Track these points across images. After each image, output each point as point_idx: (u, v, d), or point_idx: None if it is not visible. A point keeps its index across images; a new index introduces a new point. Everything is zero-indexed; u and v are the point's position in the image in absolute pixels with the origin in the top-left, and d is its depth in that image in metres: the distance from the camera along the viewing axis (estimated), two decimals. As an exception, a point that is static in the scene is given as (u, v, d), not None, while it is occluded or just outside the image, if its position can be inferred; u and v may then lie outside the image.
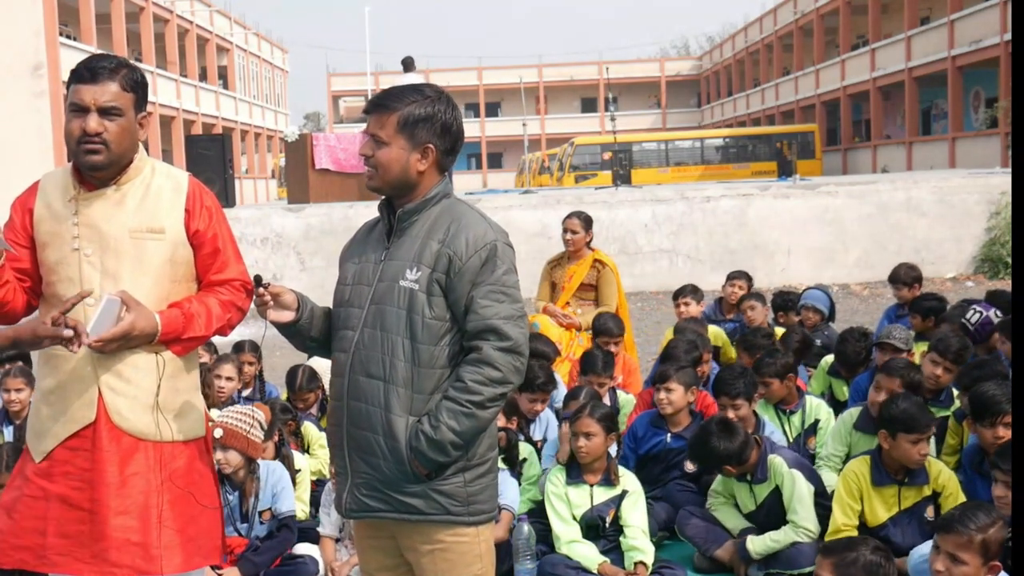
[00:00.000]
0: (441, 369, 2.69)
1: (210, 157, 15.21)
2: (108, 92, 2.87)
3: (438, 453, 2.65)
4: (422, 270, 2.68)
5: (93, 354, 2.89)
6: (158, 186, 3.02)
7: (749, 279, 7.92)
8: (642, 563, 4.35)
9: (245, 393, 6.24)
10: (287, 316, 2.78)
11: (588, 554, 4.41)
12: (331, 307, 2.90)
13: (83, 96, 2.85)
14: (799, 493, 4.40)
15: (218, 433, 4.42)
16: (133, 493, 2.94)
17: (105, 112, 2.87)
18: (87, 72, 2.87)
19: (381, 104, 2.73)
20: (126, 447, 2.94)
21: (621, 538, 4.48)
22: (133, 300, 2.88)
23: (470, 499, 2.74)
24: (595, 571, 4.36)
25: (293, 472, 5.00)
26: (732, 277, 7.94)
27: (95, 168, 2.91)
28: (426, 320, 2.66)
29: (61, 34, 29.41)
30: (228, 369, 5.88)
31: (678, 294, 7.54)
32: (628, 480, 4.62)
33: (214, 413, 5.45)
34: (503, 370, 2.66)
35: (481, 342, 2.66)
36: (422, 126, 2.71)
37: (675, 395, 5.10)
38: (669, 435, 5.14)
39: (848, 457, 4.99)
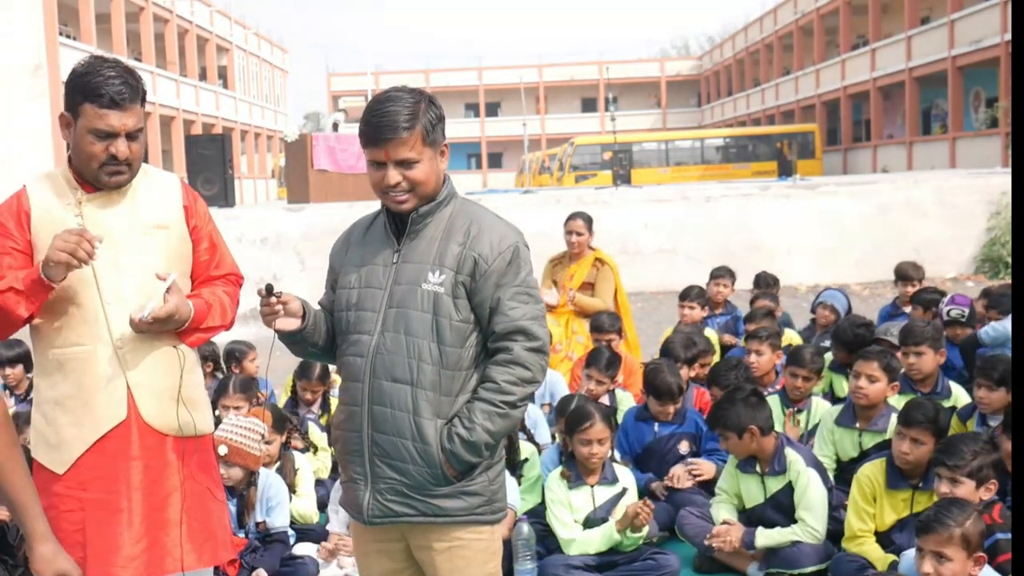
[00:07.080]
0: (466, 371, 2.68)
1: (210, 157, 15.21)
2: (135, 116, 2.86)
3: (472, 454, 2.65)
4: (445, 273, 2.66)
5: (117, 352, 2.89)
6: (155, 184, 3.06)
7: (732, 275, 7.91)
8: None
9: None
10: (294, 324, 2.73)
11: (594, 536, 4.41)
12: (331, 311, 2.85)
13: (112, 122, 2.80)
14: (813, 494, 4.34)
15: (223, 451, 4.35)
16: (164, 489, 2.94)
17: (131, 136, 2.86)
18: (113, 100, 2.79)
19: (397, 128, 2.61)
20: (155, 443, 2.94)
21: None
22: (175, 284, 2.91)
23: (493, 497, 2.75)
24: (613, 537, 4.35)
25: (293, 473, 4.99)
26: (716, 276, 7.90)
27: (120, 186, 2.92)
28: (454, 323, 2.65)
29: (61, 34, 29.43)
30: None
31: (684, 295, 7.48)
32: (625, 476, 4.64)
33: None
34: (532, 370, 2.68)
35: (510, 343, 2.66)
36: (437, 128, 2.70)
37: None
38: (656, 424, 5.22)
39: (838, 457, 4.99)
